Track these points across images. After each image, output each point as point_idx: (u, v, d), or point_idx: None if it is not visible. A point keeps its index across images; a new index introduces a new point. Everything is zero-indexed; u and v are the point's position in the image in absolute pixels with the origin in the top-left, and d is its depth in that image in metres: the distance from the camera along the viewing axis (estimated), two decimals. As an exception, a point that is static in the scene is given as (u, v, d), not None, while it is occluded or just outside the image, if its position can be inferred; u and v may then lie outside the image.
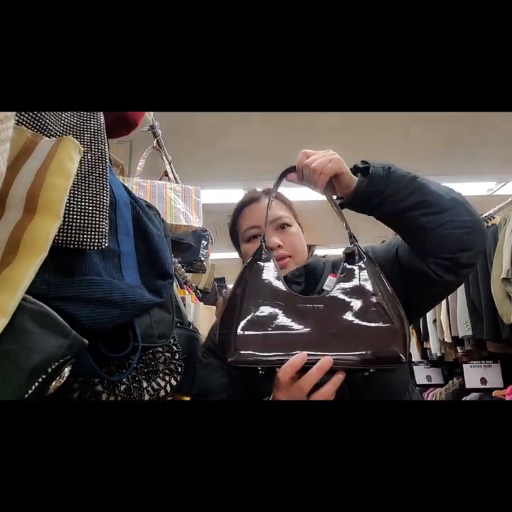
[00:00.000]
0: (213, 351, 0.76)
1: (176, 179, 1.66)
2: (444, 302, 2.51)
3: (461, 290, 2.30)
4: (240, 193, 3.16)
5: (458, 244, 0.63)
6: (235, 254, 0.91)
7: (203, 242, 1.92)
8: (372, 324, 0.56)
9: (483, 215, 2.36)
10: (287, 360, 0.52)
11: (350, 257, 0.65)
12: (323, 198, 0.72)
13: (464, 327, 2.25)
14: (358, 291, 0.60)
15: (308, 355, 0.53)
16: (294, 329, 0.56)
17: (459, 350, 2.46)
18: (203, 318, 1.64)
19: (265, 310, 0.58)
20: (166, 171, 1.60)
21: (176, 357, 0.82)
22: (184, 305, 1.38)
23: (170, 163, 1.63)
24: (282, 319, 0.57)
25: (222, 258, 3.43)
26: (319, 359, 0.52)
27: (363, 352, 0.54)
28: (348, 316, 0.57)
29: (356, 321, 0.57)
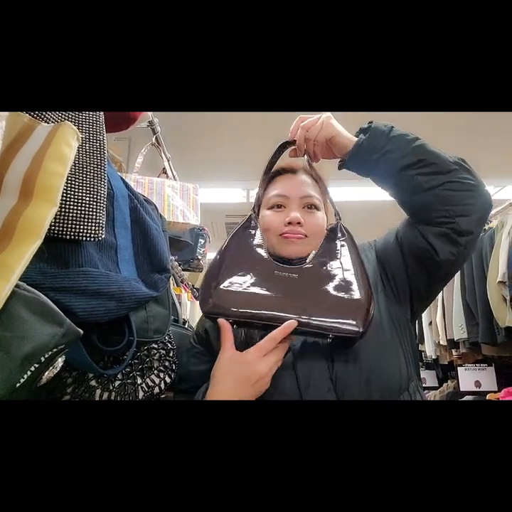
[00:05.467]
0: (201, 337, 0.76)
1: (174, 177, 1.65)
2: (439, 305, 2.52)
3: (457, 293, 2.31)
4: (238, 192, 3.14)
5: (456, 206, 0.60)
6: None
7: (201, 240, 1.91)
8: (339, 294, 0.60)
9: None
10: (254, 315, 0.58)
11: (331, 232, 0.69)
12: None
13: (459, 330, 2.25)
14: (333, 265, 0.64)
15: (274, 316, 0.58)
16: (266, 291, 0.61)
17: (453, 353, 2.47)
18: (198, 316, 1.64)
19: (244, 272, 0.64)
20: (164, 169, 1.59)
21: (171, 354, 0.81)
22: (180, 303, 1.38)
23: (168, 161, 1.62)
24: (257, 282, 0.63)
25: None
26: (284, 320, 0.57)
27: (325, 319, 0.58)
28: (318, 287, 0.62)
29: (324, 291, 0.61)
